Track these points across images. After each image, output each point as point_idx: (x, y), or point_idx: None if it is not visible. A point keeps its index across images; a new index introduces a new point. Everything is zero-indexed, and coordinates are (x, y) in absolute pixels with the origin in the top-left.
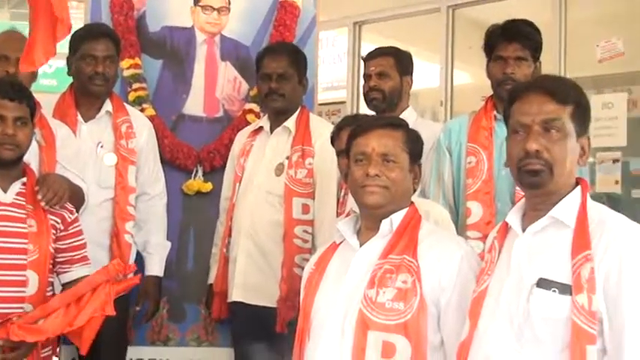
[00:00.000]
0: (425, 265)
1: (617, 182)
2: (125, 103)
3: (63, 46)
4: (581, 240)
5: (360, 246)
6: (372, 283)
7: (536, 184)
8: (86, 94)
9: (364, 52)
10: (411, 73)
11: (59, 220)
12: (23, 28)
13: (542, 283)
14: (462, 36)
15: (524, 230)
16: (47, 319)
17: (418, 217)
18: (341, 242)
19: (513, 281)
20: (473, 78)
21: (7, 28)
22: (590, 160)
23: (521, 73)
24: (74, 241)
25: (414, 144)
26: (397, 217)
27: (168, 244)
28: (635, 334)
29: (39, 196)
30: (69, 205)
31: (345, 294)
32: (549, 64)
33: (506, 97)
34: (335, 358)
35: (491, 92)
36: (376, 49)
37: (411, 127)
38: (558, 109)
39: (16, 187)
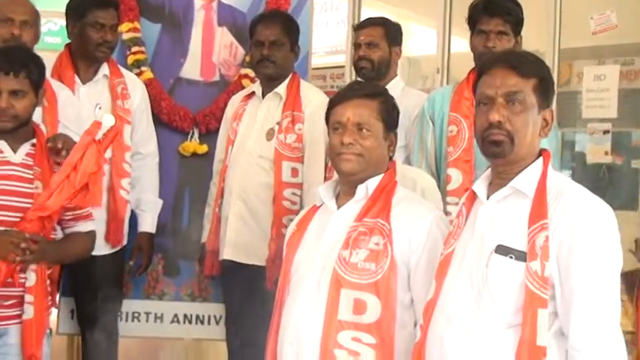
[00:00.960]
0: (397, 228)
1: (606, 153)
2: (120, 66)
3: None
4: (539, 209)
5: (338, 209)
6: (347, 244)
7: (499, 154)
8: (86, 58)
9: (364, 18)
10: (400, 43)
11: None
12: None
13: (501, 250)
14: (459, 4)
15: (488, 198)
16: (51, 195)
17: (393, 183)
18: (321, 205)
19: (475, 246)
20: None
21: None
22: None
23: (502, 46)
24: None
25: (389, 113)
26: (373, 183)
27: (160, 202)
28: (584, 298)
29: (49, 145)
30: None
31: (322, 254)
32: (545, 35)
33: (476, 70)
34: (310, 313)
35: None
36: (366, 19)
37: (398, 96)
38: (520, 82)
39: (26, 147)
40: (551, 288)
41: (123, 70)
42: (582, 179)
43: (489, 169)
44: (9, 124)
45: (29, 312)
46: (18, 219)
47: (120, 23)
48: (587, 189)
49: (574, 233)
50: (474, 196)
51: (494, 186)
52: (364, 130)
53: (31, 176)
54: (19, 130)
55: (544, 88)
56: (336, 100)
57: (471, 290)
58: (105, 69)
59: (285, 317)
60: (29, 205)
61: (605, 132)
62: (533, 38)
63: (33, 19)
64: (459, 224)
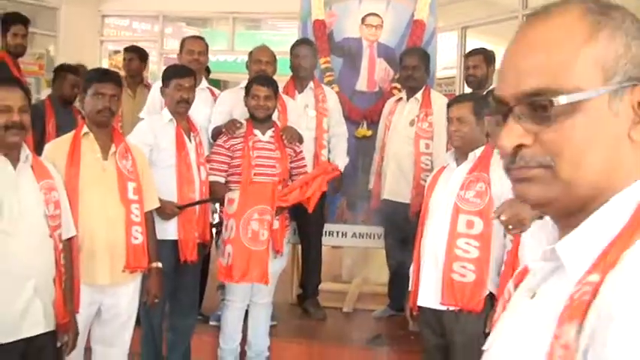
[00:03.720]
0: (493, 178)
1: None
2: (321, 83)
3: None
4: None
5: (457, 167)
6: (462, 187)
7: None
8: (297, 78)
9: (468, 48)
10: (494, 63)
11: (292, 151)
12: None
13: None
14: None
15: None
16: (291, 193)
17: (491, 152)
18: (447, 165)
19: None
20: None
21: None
22: None
23: None
24: (301, 162)
25: (479, 109)
26: (478, 151)
27: (347, 159)
28: None
29: (283, 137)
30: (298, 144)
31: (447, 193)
32: None
33: None
34: (441, 229)
35: None
36: (473, 49)
37: None
38: None
39: (269, 132)
40: None
41: (323, 85)
42: None
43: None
44: (262, 114)
45: (275, 225)
46: (268, 170)
47: (316, 56)
48: None
49: None
50: None
51: None
52: (463, 122)
53: (274, 148)
54: (265, 123)
55: None
56: (449, 103)
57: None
58: (311, 84)
59: (425, 230)
60: (274, 163)
61: None
62: None
63: (273, 60)
64: None
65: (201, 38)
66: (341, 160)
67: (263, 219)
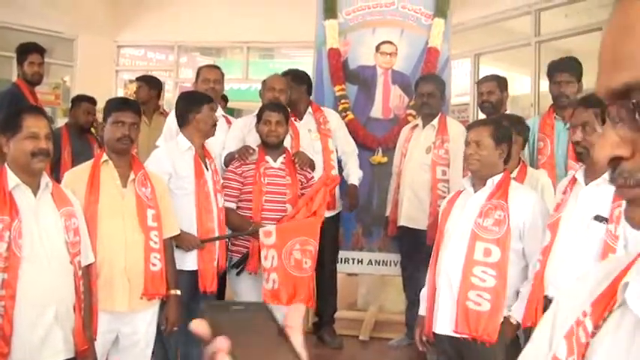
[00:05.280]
0: (512, 205)
1: None
2: (319, 104)
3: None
4: None
5: (474, 193)
6: (480, 214)
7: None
8: (292, 106)
9: (482, 74)
10: (507, 89)
11: (303, 178)
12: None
13: (597, 218)
14: (545, 59)
15: (586, 183)
16: (298, 213)
17: (509, 179)
18: (463, 190)
19: (579, 215)
20: None
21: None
22: None
23: (570, 91)
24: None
25: (499, 133)
26: (496, 178)
27: (361, 172)
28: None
29: (296, 162)
30: (309, 170)
31: (464, 220)
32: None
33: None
34: (457, 257)
35: None
36: (486, 76)
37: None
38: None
39: (280, 159)
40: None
41: (322, 107)
42: None
43: (585, 166)
44: (275, 139)
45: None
46: (279, 197)
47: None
48: None
49: None
50: (575, 180)
51: (589, 176)
52: (480, 145)
53: (284, 174)
54: (276, 149)
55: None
56: (467, 128)
57: (578, 242)
58: (309, 109)
59: (440, 257)
60: (284, 190)
61: None
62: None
63: (285, 88)
64: (564, 197)
65: (216, 67)
66: (355, 176)
67: (305, 249)
